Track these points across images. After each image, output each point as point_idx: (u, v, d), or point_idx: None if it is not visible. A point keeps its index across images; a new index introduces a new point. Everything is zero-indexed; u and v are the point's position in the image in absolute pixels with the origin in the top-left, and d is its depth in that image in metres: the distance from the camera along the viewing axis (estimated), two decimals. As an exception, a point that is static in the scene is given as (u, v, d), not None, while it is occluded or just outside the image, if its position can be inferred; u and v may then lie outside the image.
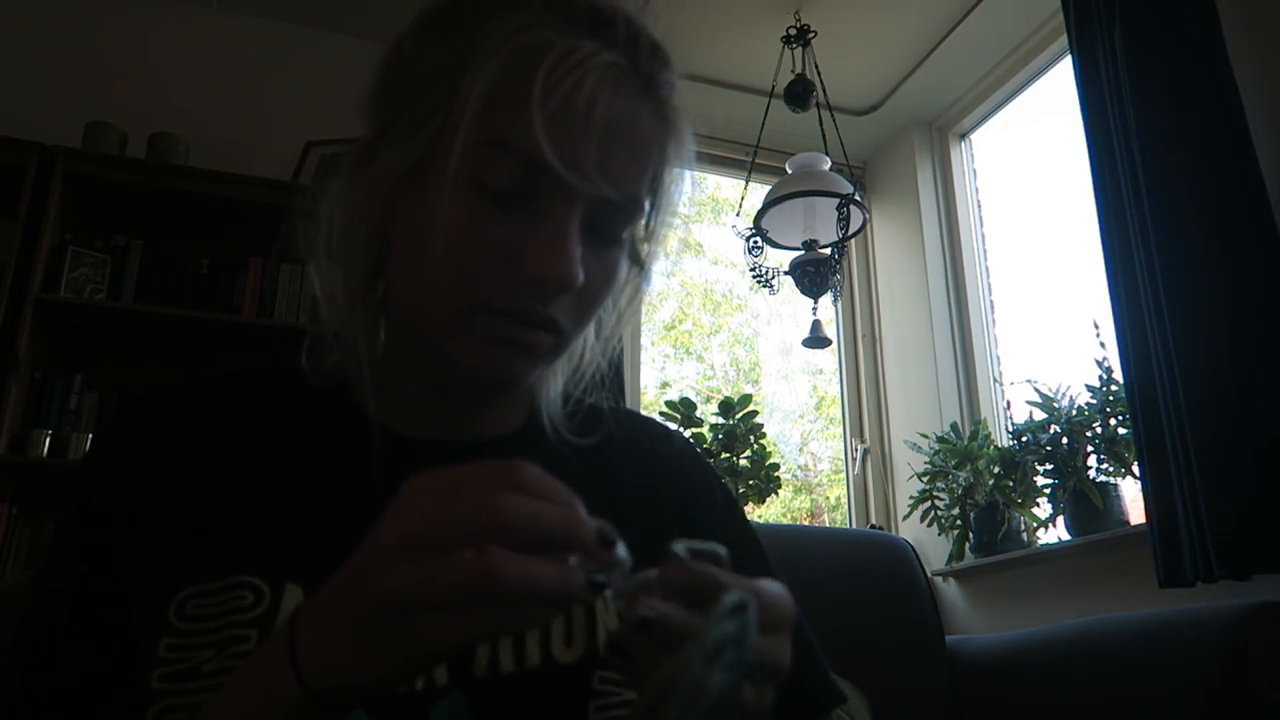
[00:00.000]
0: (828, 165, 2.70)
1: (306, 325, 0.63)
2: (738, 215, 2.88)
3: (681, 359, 4.77)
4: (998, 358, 2.95)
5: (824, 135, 2.72)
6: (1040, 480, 2.39)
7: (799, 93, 2.68)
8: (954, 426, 2.68)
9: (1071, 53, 2.23)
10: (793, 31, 2.75)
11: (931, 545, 2.71)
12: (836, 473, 3.64)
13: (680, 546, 0.41)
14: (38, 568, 0.60)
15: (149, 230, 2.42)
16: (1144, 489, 1.90)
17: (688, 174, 0.63)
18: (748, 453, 2.63)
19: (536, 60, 0.52)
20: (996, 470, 2.47)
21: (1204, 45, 1.91)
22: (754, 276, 2.71)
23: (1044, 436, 2.32)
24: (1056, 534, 2.39)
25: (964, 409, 2.87)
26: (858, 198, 2.61)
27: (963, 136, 3.21)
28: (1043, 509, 2.43)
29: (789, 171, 2.72)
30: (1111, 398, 2.22)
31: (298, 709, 0.40)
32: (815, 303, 2.67)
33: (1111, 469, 2.23)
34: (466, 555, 0.36)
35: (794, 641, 0.42)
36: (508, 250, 0.54)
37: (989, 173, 3.17)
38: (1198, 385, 1.76)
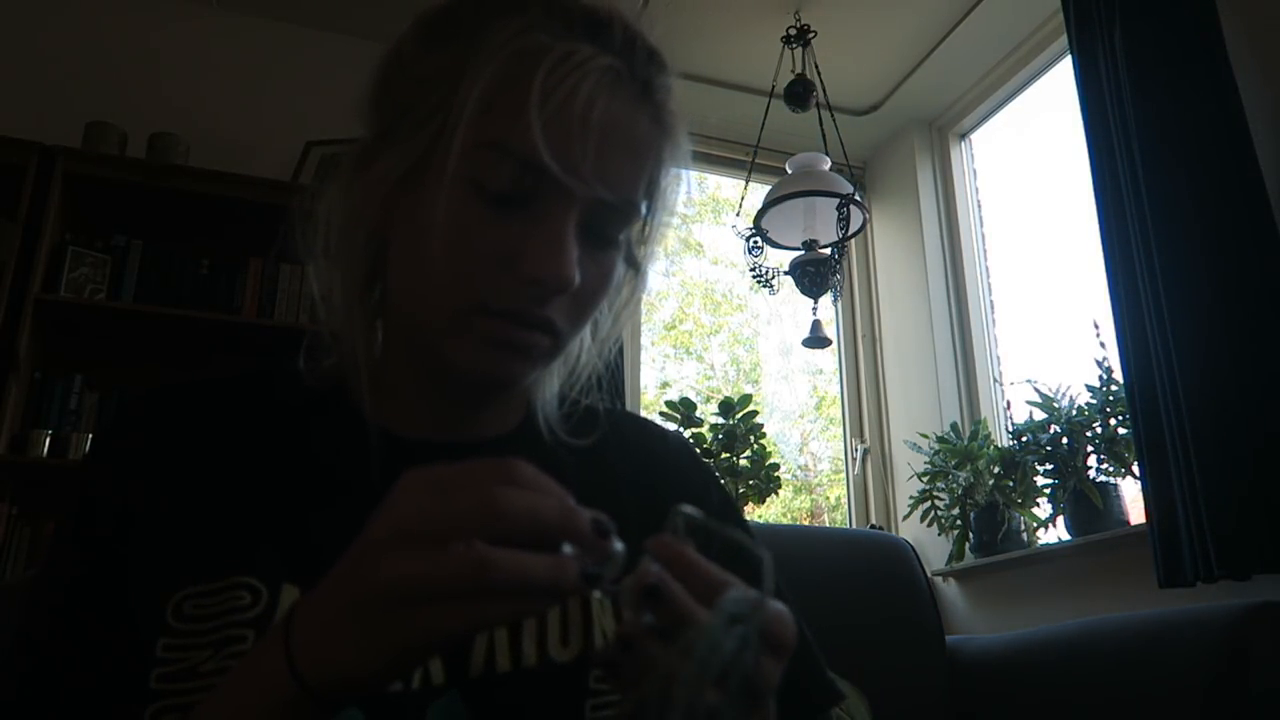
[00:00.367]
0: (828, 165, 2.70)
1: (306, 325, 0.63)
2: (738, 215, 2.88)
3: (681, 359, 4.77)
4: (998, 358, 2.95)
5: (824, 135, 2.72)
6: (1040, 480, 2.39)
7: (799, 93, 2.68)
8: (954, 426, 2.68)
9: (1071, 53, 2.23)
10: (793, 31, 2.75)
11: (931, 545, 2.71)
12: (836, 473, 3.64)
13: (686, 509, 0.41)
14: (38, 567, 0.60)
15: (149, 230, 2.42)
16: (1144, 489, 1.90)
17: (684, 177, 0.64)
18: (748, 453, 2.63)
19: (534, 64, 0.53)
20: (996, 470, 2.47)
21: (1204, 45, 1.91)
22: (754, 276, 2.71)
23: (1044, 436, 2.32)
24: (1056, 534, 2.39)
25: (964, 409, 2.87)
26: (858, 198, 2.61)
27: (963, 136, 3.21)
28: (1043, 509, 2.43)
29: (789, 171, 2.72)
30: (1111, 398, 2.22)
31: (293, 704, 0.40)
32: (815, 303, 2.67)
33: (1111, 469, 2.23)
34: (460, 547, 0.36)
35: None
36: (505, 252, 0.54)
37: (989, 173, 3.17)
38: (1198, 385, 1.76)
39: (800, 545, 2.16)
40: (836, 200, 2.57)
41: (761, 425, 2.67)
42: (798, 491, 4.07)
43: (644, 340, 3.09)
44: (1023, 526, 2.47)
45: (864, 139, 3.27)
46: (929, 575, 2.45)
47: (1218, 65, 1.89)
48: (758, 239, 2.69)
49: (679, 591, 0.39)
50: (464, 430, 0.64)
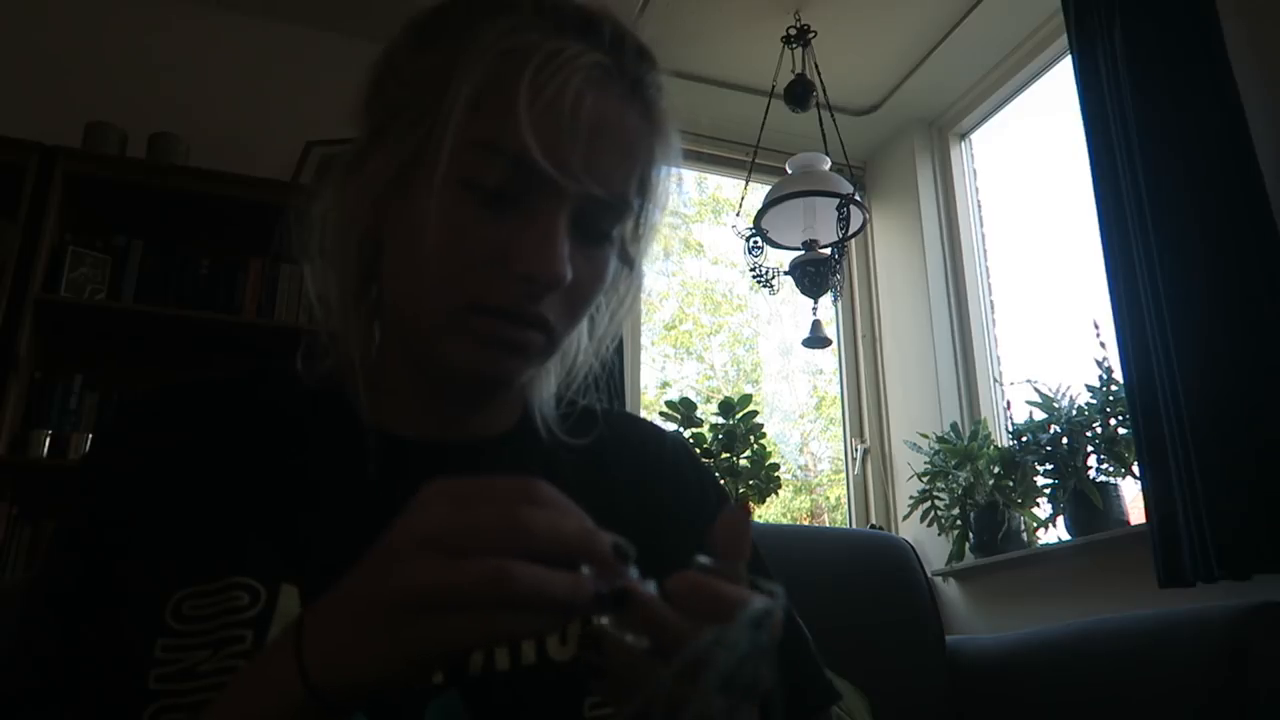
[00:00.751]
0: (828, 165, 2.70)
1: (306, 326, 0.63)
2: (738, 215, 2.88)
3: (681, 359, 4.77)
4: (998, 358, 2.95)
5: (824, 135, 2.72)
6: (1040, 480, 2.39)
7: (799, 93, 2.68)
8: (954, 426, 2.68)
9: (1071, 53, 2.23)
10: (793, 31, 2.75)
11: (931, 545, 2.71)
12: (836, 473, 3.64)
13: (702, 559, 0.41)
14: (37, 567, 0.60)
15: (149, 230, 2.42)
16: (1144, 489, 1.90)
17: (676, 174, 0.64)
18: (748, 453, 2.63)
19: (523, 62, 0.53)
20: (996, 470, 2.47)
21: (1204, 45, 1.91)
22: (754, 276, 2.71)
23: (1044, 436, 2.32)
24: (1056, 534, 2.39)
25: (964, 409, 2.87)
26: (858, 198, 2.61)
27: (963, 136, 3.21)
28: (1043, 509, 2.43)
29: (789, 171, 2.72)
30: (1111, 398, 2.22)
31: (301, 710, 0.40)
32: (815, 303, 2.67)
33: (1111, 469, 2.23)
34: (483, 559, 0.36)
35: (788, 641, 0.42)
36: (497, 250, 0.54)
37: (989, 173, 3.17)
38: (1198, 385, 1.76)
39: (800, 545, 2.16)
40: (836, 200, 2.57)
41: (761, 425, 2.67)
42: (798, 491, 4.07)
43: (644, 340, 3.09)
44: (1023, 526, 2.47)
45: (864, 139, 3.27)
46: (929, 575, 2.45)
47: (1218, 65, 1.89)
48: (758, 239, 2.69)
49: (649, 597, 0.39)
50: (461, 429, 0.64)
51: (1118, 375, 2.13)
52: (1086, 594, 2.20)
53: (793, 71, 2.73)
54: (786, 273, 2.70)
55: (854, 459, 3.13)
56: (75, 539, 0.57)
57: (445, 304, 0.55)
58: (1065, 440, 2.29)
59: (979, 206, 3.15)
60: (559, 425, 0.67)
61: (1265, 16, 1.97)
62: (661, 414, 2.70)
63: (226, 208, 2.41)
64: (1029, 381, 2.40)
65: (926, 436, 2.69)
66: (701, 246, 4.62)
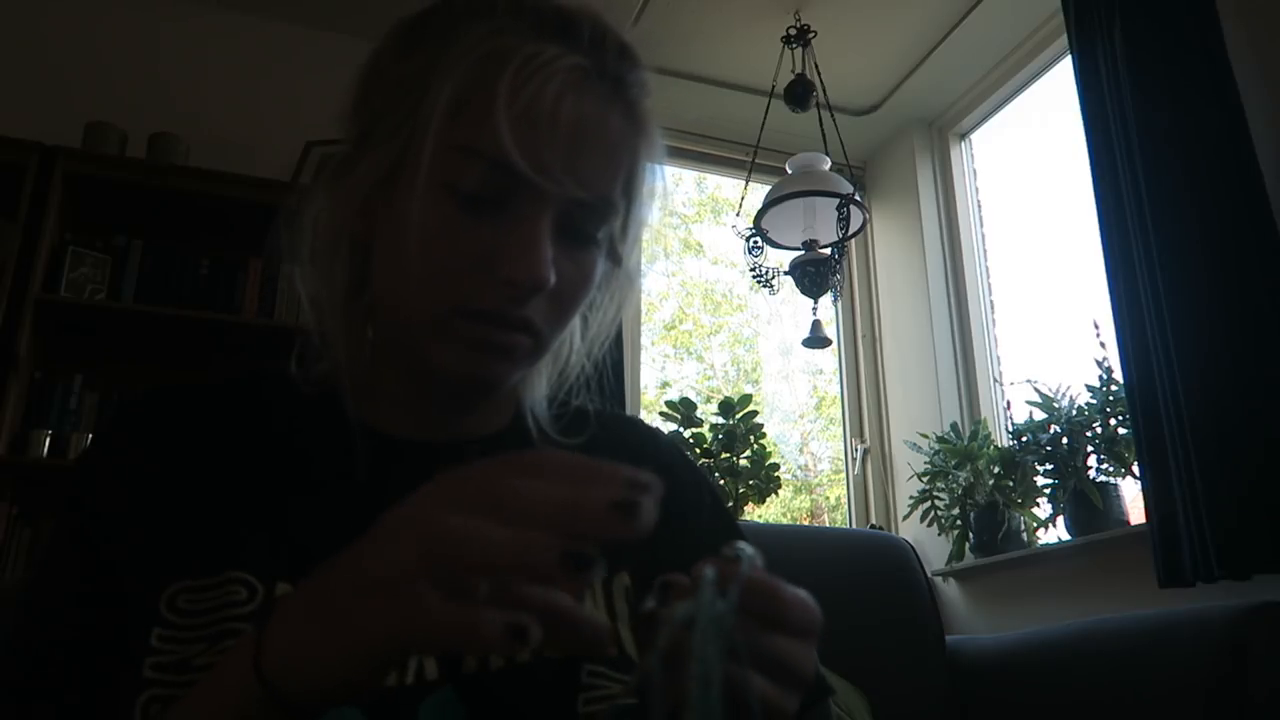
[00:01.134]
0: (828, 165, 2.70)
1: (299, 326, 0.64)
2: (738, 215, 2.88)
3: (681, 359, 4.77)
4: (998, 358, 2.95)
5: (824, 135, 2.72)
6: (1040, 480, 2.39)
7: (799, 93, 2.68)
8: (954, 426, 2.68)
9: (1071, 53, 2.23)
10: (793, 31, 2.75)
11: (931, 545, 2.71)
12: (836, 473, 3.64)
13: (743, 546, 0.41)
14: (38, 554, 0.61)
15: (149, 230, 2.42)
16: (1144, 489, 1.90)
17: (663, 173, 0.64)
18: (748, 453, 2.63)
19: (501, 66, 0.53)
20: (996, 470, 2.47)
21: (1204, 45, 1.91)
22: (754, 276, 2.71)
23: (1044, 436, 2.32)
24: (1056, 534, 2.39)
25: (964, 409, 2.87)
26: (858, 198, 2.61)
27: (963, 136, 3.21)
28: (1043, 509, 2.43)
29: (789, 171, 2.72)
30: (1111, 398, 2.22)
31: (261, 710, 0.39)
32: (815, 303, 2.67)
33: (1111, 469, 2.23)
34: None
35: None
36: (481, 253, 0.55)
37: (989, 173, 3.17)
38: (1198, 385, 1.76)
39: (800, 545, 2.16)
40: (836, 200, 2.57)
41: (761, 425, 2.67)
42: (798, 491, 4.07)
43: (644, 340, 3.09)
44: (1023, 526, 2.47)
45: (864, 139, 3.27)
46: (929, 575, 2.45)
47: (1218, 65, 1.89)
48: (758, 239, 2.69)
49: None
50: (452, 431, 0.65)
51: (1118, 375, 2.13)
52: (1086, 594, 2.20)
53: (793, 71, 2.73)
54: (786, 273, 2.70)
55: (854, 459, 3.13)
56: (74, 530, 0.58)
57: (431, 307, 0.56)
58: (1065, 440, 2.29)
59: (979, 206, 3.15)
60: (551, 425, 0.67)
61: (1265, 16, 1.97)
62: (661, 414, 2.70)
63: (226, 208, 2.41)
64: (1029, 381, 2.40)
65: (926, 436, 2.69)
66: (701, 246, 4.62)
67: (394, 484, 0.42)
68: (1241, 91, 1.86)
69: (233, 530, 0.56)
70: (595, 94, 0.56)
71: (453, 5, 0.59)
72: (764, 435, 2.66)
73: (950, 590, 2.66)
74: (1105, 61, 2.09)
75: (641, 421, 0.80)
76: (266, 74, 2.79)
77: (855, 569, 2.18)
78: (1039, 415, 2.37)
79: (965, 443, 2.57)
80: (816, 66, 2.74)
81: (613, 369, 0.73)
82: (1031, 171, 3.07)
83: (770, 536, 2.12)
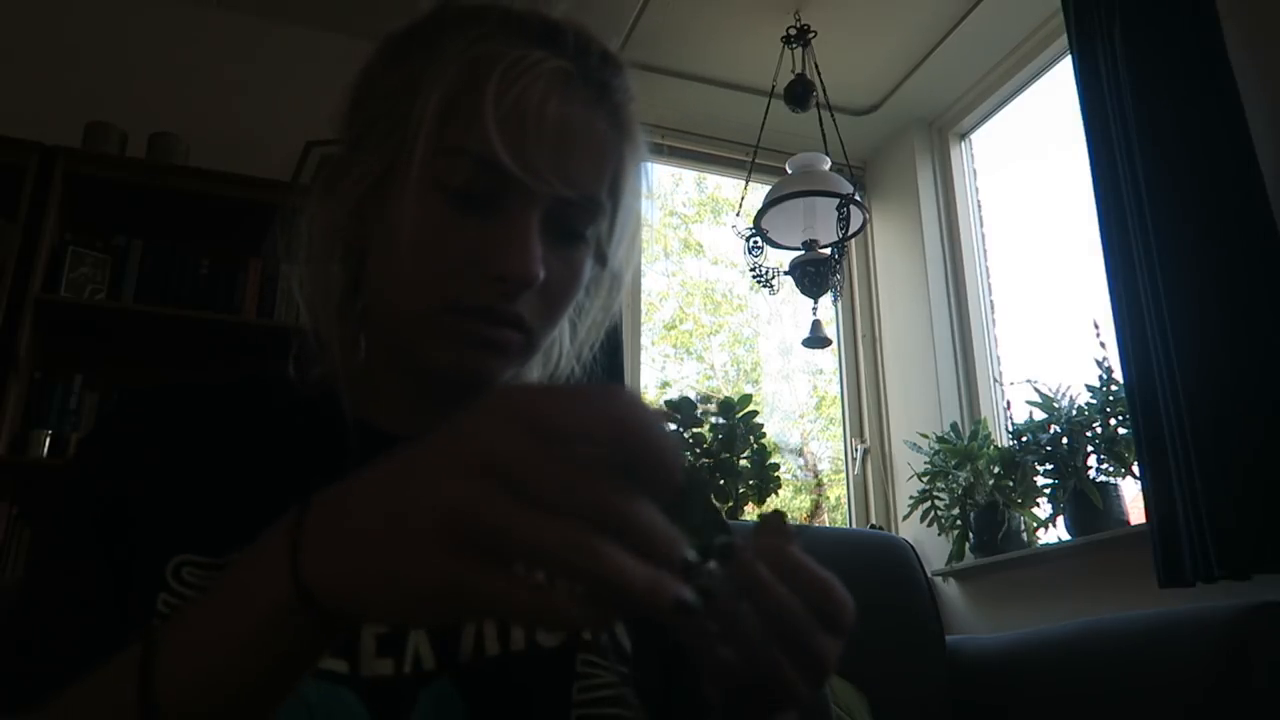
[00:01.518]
0: (828, 165, 2.70)
1: (296, 325, 0.65)
2: (738, 215, 2.88)
3: (681, 359, 4.76)
4: (998, 358, 2.95)
5: (824, 135, 2.72)
6: (1040, 480, 2.39)
7: (799, 93, 2.68)
8: (954, 426, 2.68)
9: (1071, 53, 2.23)
10: (793, 31, 2.75)
11: (931, 545, 2.71)
12: (836, 473, 3.64)
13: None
14: (43, 522, 0.62)
15: (149, 230, 2.42)
16: (1144, 489, 1.90)
17: (648, 179, 0.66)
18: (748, 453, 2.63)
19: (488, 69, 0.56)
20: (996, 470, 2.47)
21: (1204, 45, 1.91)
22: (754, 276, 2.71)
23: (1044, 436, 2.32)
24: (1056, 534, 2.39)
25: (964, 409, 2.87)
26: (858, 198, 2.61)
27: (963, 136, 3.21)
28: (1043, 509, 2.43)
29: (789, 171, 2.72)
30: (1111, 398, 2.22)
31: (291, 618, 0.36)
32: (815, 303, 2.67)
33: (1111, 469, 2.23)
34: (567, 523, 0.30)
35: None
36: (471, 251, 0.57)
37: (989, 173, 3.17)
38: (1198, 385, 1.76)
39: (800, 545, 2.15)
40: (836, 200, 2.57)
41: (761, 425, 2.67)
42: (798, 491, 4.07)
43: (644, 340, 3.09)
44: (1023, 526, 2.47)
45: (864, 139, 3.27)
46: (929, 575, 2.45)
47: (1218, 65, 1.89)
48: (758, 239, 2.69)
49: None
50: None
51: (1118, 375, 2.13)
52: (1086, 594, 2.20)
53: (793, 71, 2.73)
54: (786, 273, 2.70)
55: (854, 459, 3.13)
56: (75, 506, 0.58)
57: (423, 305, 0.57)
58: (1065, 440, 2.29)
59: (979, 206, 3.15)
60: None
61: (1265, 16, 1.97)
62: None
63: (226, 208, 2.41)
64: (1029, 381, 2.40)
65: (926, 436, 2.69)
66: (701, 246, 4.62)
67: None
68: (1241, 91, 1.86)
69: (231, 517, 0.57)
70: (580, 96, 0.58)
71: (442, 17, 0.61)
72: (764, 435, 2.66)
73: (950, 590, 2.66)
74: (1105, 61, 2.09)
75: None
76: (266, 74, 2.79)
77: (855, 569, 2.17)
78: (1039, 415, 2.37)
79: (965, 443, 2.57)
80: (816, 66, 2.74)
81: (607, 371, 0.74)
82: (1031, 171, 3.07)
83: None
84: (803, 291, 2.66)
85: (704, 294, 4.74)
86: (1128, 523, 2.19)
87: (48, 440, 2.18)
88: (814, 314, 2.69)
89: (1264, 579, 1.68)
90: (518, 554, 0.31)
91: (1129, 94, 1.99)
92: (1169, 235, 1.86)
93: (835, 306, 3.29)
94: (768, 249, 2.72)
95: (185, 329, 2.38)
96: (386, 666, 0.54)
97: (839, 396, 3.33)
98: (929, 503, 2.60)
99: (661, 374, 4.48)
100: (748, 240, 2.70)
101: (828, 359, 3.58)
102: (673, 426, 2.63)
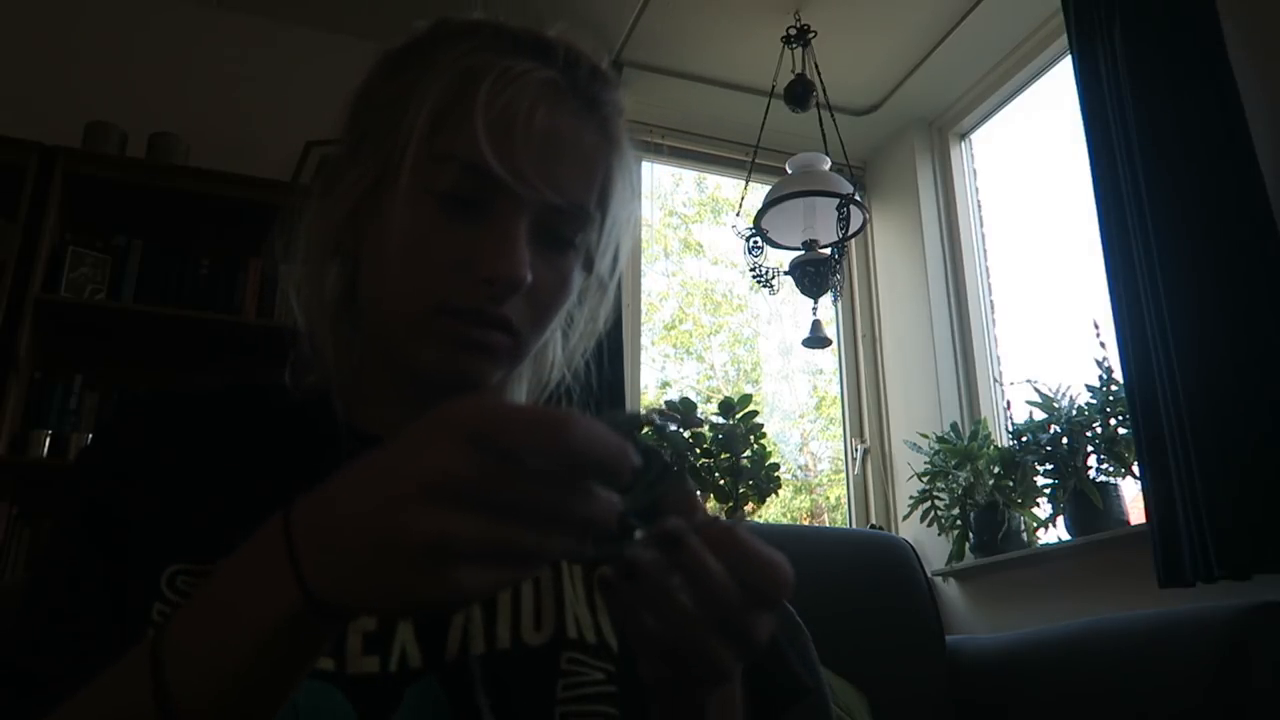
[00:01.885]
0: (828, 165, 2.70)
1: (290, 324, 0.67)
2: (738, 215, 2.88)
3: (681, 359, 4.76)
4: (998, 358, 2.95)
5: (824, 135, 2.72)
6: (1040, 480, 2.39)
7: (799, 93, 2.68)
8: (954, 426, 2.68)
9: (1071, 53, 2.23)
10: (793, 31, 2.75)
11: (931, 545, 2.71)
12: (836, 473, 3.64)
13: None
14: (48, 534, 0.63)
15: (149, 230, 2.42)
16: (1144, 489, 1.90)
17: (636, 192, 0.67)
18: (748, 453, 2.63)
19: (479, 78, 0.57)
20: (996, 470, 2.47)
21: (1204, 45, 1.91)
22: (754, 276, 2.71)
23: (1044, 436, 2.32)
24: (1056, 534, 2.40)
25: (964, 409, 2.87)
26: (858, 198, 2.61)
27: (963, 136, 3.21)
28: (1043, 509, 2.43)
29: (789, 171, 2.72)
30: (1111, 398, 2.22)
31: (299, 619, 0.37)
32: (815, 303, 2.67)
33: (1111, 469, 2.23)
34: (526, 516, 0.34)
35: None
36: (461, 255, 0.58)
37: (989, 173, 3.17)
38: (1198, 385, 1.76)
39: (800, 545, 2.16)
40: (836, 200, 2.57)
41: (761, 425, 2.67)
42: (798, 491, 4.07)
43: (644, 340, 3.09)
44: (1023, 526, 2.47)
45: (864, 139, 3.27)
46: (929, 575, 2.45)
47: (1218, 65, 1.89)
48: (758, 239, 2.69)
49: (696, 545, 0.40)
50: None
51: (1118, 375, 2.13)
52: (1086, 594, 2.20)
53: (793, 71, 2.73)
54: (786, 273, 2.70)
55: (854, 459, 3.13)
56: (76, 513, 0.59)
57: (412, 306, 0.59)
58: (1065, 440, 2.29)
59: (979, 206, 3.15)
60: None
61: (1265, 16, 1.97)
62: (660, 414, 2.70)
63: (226, 208, 2.41)
64: (1029, 381, 2.40)
65: (926, 436, 2.69)
66: (701, 246, 4.62)
67: None
68: (1241, 91, 1.86)
69: (226, 522, 0.58)
70: (569, 107, 0.60)
71: (437, 33, 0.63)
72: (764, 435, 2.66)
73: (950, 590, 2.66)
74: (1105, 61, 2.09)
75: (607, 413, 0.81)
76: (266, 74, 2.79)
77: (855, 569, 2.18)
78: (1039, 415, 2.37)
79: (965, 443, 2.57)
80: (816, 66, 2.74)
81: (601, 377, 0.75)
82: (1031, 171, 3.07)
83: (770, 536, 2.12)
84: (803, 291, 2.66)
85: (704, 294, 4.74)
86: (1128, 523, 2.19)
87: (48, 440, 2.18)
88: (814, 314, 2.69)
89: (1264, 579, 1.68)
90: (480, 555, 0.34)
91: (1129, 94, 1.99)
92: (1169, 235, 1.86)
93: (835, 306, 3.29)
94: (768, 249, 2.72)
95: (185, 329, 2.38)
96: (372, 664, 0.55)
97: (839, 396, 3.33)
98: (929, 503, 2.60)
99: (661, 374, 4.48)
100: (748, 240, 2.70)
101: (828, 359, 3.58)
102: (673, 426, 2.63)
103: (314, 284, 0.65)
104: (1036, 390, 2.36)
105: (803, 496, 4.12)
